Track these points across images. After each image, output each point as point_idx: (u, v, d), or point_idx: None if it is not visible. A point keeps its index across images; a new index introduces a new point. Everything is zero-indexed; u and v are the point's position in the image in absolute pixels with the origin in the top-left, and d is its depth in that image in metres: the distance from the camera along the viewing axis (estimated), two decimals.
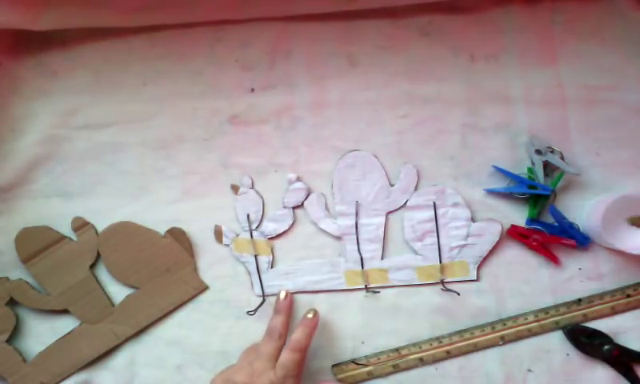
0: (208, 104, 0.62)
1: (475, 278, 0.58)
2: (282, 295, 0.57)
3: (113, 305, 0.59)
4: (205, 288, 0.59)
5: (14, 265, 0.60)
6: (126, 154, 0.62)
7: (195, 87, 0.62)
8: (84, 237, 0.59)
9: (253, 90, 0.62)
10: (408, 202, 0.59)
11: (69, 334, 0.58)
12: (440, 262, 0.58)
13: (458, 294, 0.58)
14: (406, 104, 0.61)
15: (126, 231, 0.59)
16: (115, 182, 0.61)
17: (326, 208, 0.60)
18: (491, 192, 0.59)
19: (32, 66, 0.63)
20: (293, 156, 0.61)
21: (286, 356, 0.51)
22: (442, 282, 0.58)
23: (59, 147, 0.62)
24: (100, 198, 0.61)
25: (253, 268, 0.59)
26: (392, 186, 0.60)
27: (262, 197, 0.60)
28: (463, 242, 0.58)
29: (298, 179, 0.60)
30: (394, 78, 0.62)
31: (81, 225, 0.59)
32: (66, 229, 0.60)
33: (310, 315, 0.55)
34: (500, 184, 0.59)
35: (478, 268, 0.58)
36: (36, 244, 0.59)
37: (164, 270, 0.59)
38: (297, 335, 0.53)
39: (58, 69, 0.63)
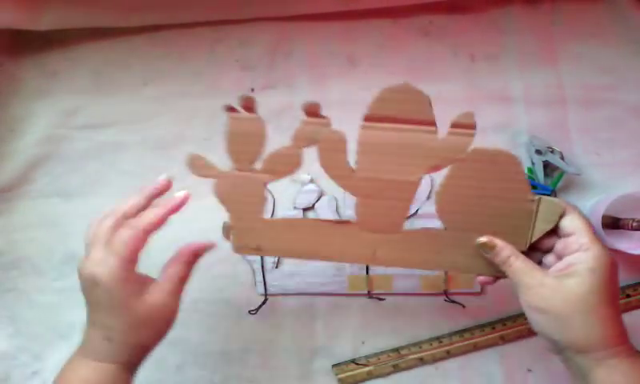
0: (208, 104, 0.62)
1: (479, 291, 0.57)
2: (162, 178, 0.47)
3: None
4: None
5: (14, 265, 0.60)
6: (126, 154, 0.62)
7: (195, 87, 0.62)
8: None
9: (253, 90, 0.62)
10: (419, 211, 0.59)
11: None
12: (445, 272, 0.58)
13: (463, 307, 0.57)
14: None
15: None
16: (115, 182, 0.61)
17: (337, 212, 0.60)
18: None
19: (32, 66, 0.63)
20: None
21: (120, 231, 0.41)
22: (445, 293, 0.58)
23: (59, 147, 0.62)
24: (100, 197, 0.61)
25: (258, 267, 0.59)
26: None
27: (273, 196, 0.60)
28: None
29: (312, 181, 0.60)
30: (394, 77, 0.61)
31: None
32: (66, 229, 0.60)
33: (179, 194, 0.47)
34: None
35: None
36: None
37: None
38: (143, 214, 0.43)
39: (58, 69, 0.63)
